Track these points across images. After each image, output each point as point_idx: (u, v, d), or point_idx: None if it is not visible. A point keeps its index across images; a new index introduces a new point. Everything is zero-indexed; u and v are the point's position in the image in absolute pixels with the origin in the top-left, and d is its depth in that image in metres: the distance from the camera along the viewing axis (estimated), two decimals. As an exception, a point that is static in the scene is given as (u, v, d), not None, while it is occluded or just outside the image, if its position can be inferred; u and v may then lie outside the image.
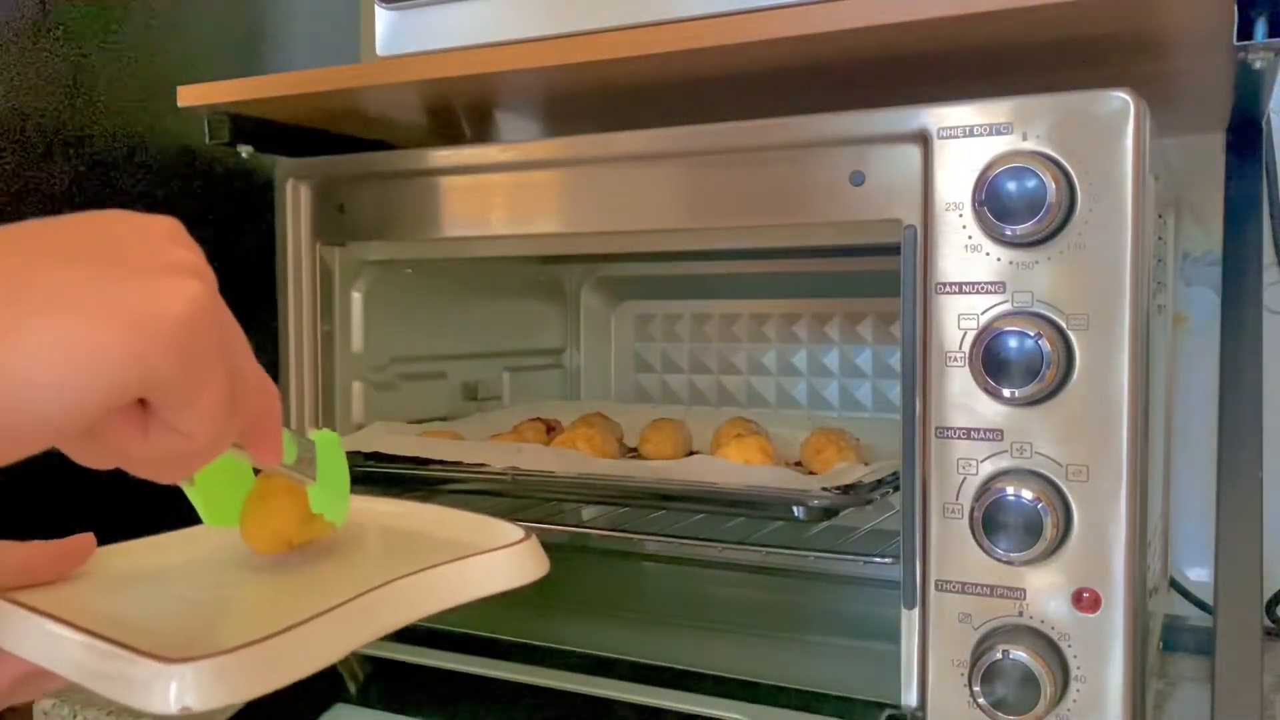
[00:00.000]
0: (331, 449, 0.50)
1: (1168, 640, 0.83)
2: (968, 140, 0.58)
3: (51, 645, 0.37)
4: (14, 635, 0.39)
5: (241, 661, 0.36)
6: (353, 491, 0.55)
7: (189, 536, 0.50)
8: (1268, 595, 0.86)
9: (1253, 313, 0.70)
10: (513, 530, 0.50)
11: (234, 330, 0.35)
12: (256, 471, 0.50)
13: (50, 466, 0.45)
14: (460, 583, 0.46)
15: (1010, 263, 0.57)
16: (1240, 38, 0.56)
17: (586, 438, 0.82)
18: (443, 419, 0.94)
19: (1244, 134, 0.79)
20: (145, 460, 0.34)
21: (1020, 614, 0.57)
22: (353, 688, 0.73)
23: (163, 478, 0.35)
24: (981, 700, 0.57)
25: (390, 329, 0.89)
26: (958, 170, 0.58)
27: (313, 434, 0.49)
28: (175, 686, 0.34)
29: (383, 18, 0.78)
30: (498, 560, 0.47)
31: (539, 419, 0.90)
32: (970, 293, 0.58)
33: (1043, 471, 0.57)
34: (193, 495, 0.48)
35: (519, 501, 0.89)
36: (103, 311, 0.29)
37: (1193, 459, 0.88)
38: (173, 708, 0.34)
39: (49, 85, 0.84)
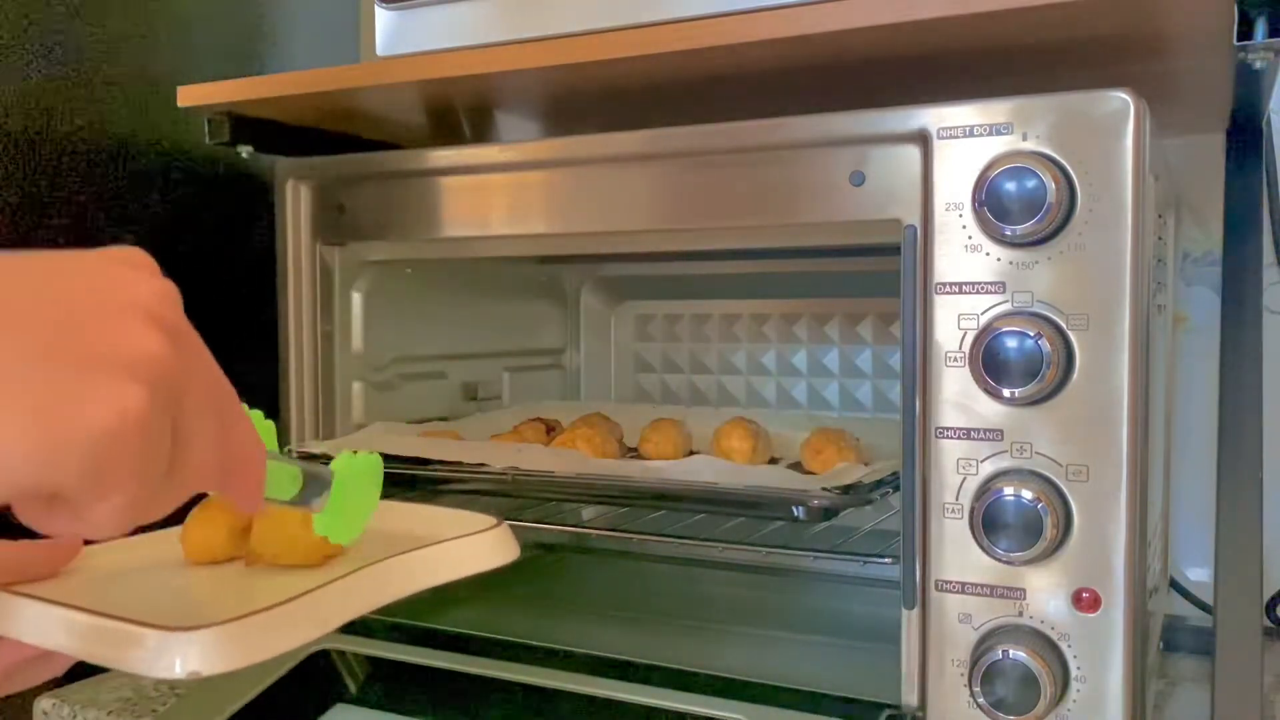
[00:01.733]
0: (356, 474, 0.50)
1: (1168, 640, 0.83)
2: (968, 140, 0.58)
3: (58, 627, 0.39)
4: (18, 621, 0.40)
5: (244, 629, 0.38)
6: None
7: (171, 536, 0.53)
8: (1268, 595, 0.86)
9: (1253, 313, 0.70)
10: (484, 519, 0.54)
11: (207, 394, 0.33)
12: None
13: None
14: (440, 564, 0.50)
15: (1010, 263, 0.57)
16: (1240, 38, 0.56)
17: (586, 438, 0.82)
18: (443, 419, 0.94)
19: (1244, 134, 0.79)
20: (50, 532, 0.33)
21: (1020, 614, 0.57)
22: (353, 688, 0.73)
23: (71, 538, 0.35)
24: (981, 700, 0.57)
25: (390, 329, 0.89)
26: (957, 170, 0.58)
27: (339, 460, 0.50)
28: (182, 654, 0.37)
29: (383, 18, 0.78)
30: (473, 544, 0.51)
31: (539, 419, 0.90)
32: (970, 293, 0.58)
33: (1043, 471, 0.57)
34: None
35: (519, 501, 0.89)
36: (18, 405, 0.28)
37: (1193, 459, 0.88)
38: (180, 673, 0.37)
39: (48, 86, 0.84)
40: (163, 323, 0.32)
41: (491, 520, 0.53)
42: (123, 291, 0.31)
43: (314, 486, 0.47)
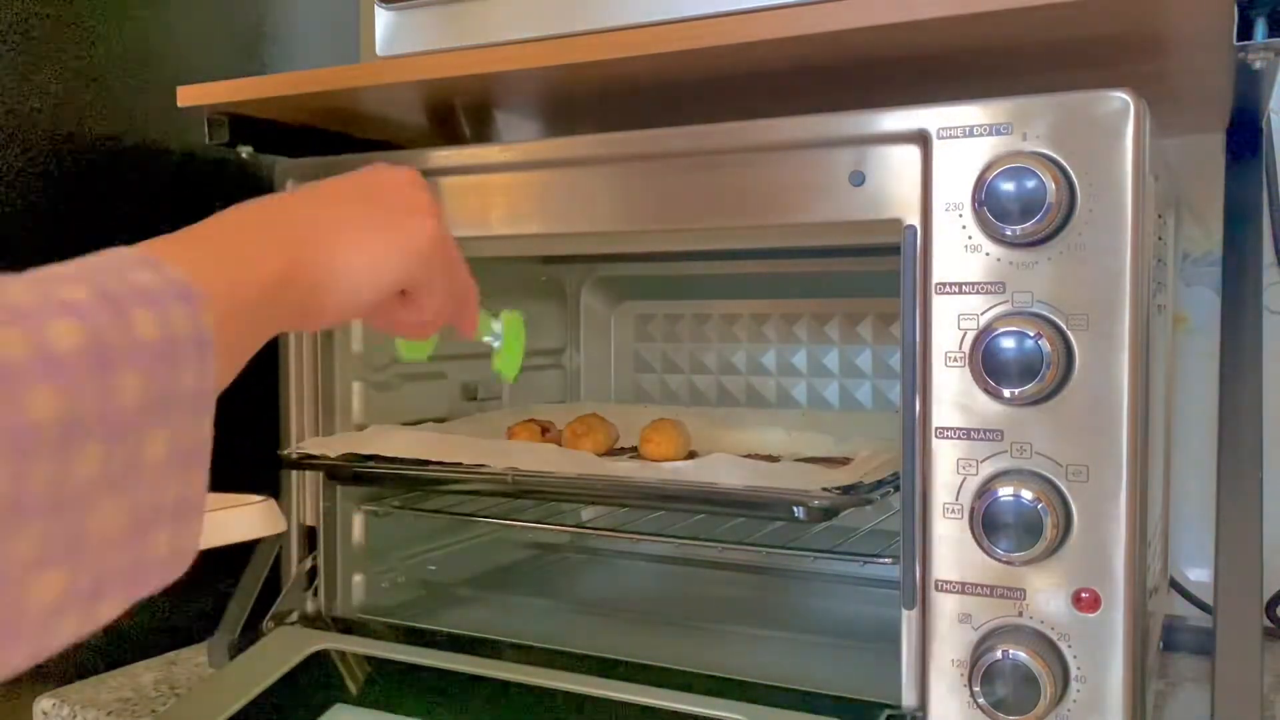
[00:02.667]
0: (515, 327, 0.69)
1: (1168, 640, 0.83)
2: (967, 140, 0.58)
3: None
4: None
5: None
6: (351, 486, 0.69)
7: None
8: (1268, 595, 0.86)
9: (1253, 313, 0.70)
10: (254, 498, 0.65)
11: (453, 246, 0.53)
12: None
13: None
14: (212, 529, 0.61)
15: (1010, 263, 0.57)
16: (1240, 38, 0.56)
17: (581, 438, 0.82)
18: (442, 419, 0.94)
19: (1244, 134, 0.79)
20: (403, 324, 0.53)
21: (1020, 614, 0.57)
22: (353, 688, 0.73)
23: (411, 336, 0.56)
24: (981, 700, 0.57)
25: (390, 329, 0.89)
26: (957, 170, 0.58)
27: (504, 314, 0.68)
28: None
29: (383, 18, 0.78)
30: (240, 514, 0.60)
31: (533, 420, 0.90)
32: (970, 293, 0.58)
33: (1043, 471, 0.57)
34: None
35: (519, 501, 0.89)
36: (383, 237, 0.48)
37: (1193, 459, 0.88)
38: None
39: (48, 86, 0.84)
40: (426, 189, 0.52)
41: (259, 498, 0.64)
42: (398, 175, 0.53)
43: (497, 328, 0.68)
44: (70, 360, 0.30)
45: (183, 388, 0.34)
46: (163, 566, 0.35)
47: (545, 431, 0.88)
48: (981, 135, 0.58)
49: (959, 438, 0.58)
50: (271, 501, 0.60)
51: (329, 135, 0.89)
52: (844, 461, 0.72)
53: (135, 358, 0.32)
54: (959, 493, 0.58)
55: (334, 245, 0.46)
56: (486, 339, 0.67)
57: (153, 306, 0.34)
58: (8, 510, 0.29)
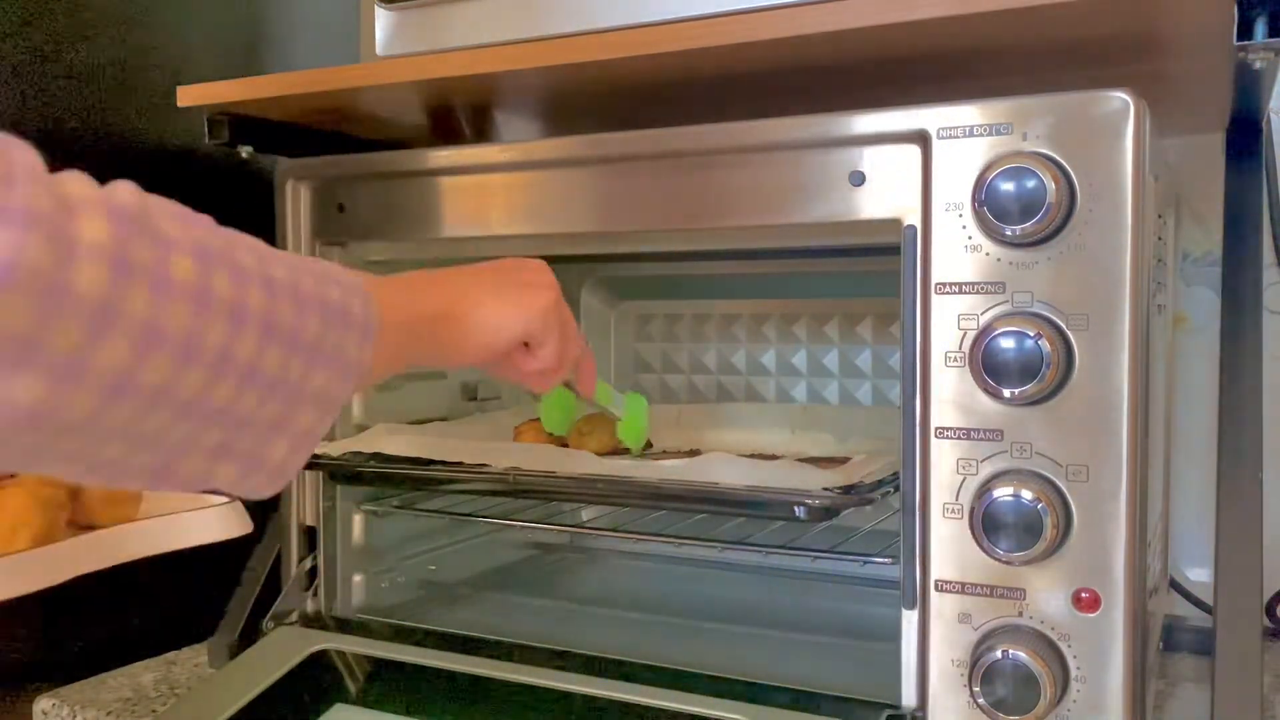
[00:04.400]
0: (638, 406, 0.82)
1: (1168, 640, 0.83)
2: (967, 140, 0.58)
3: None
4: None
5: None
6: (352, 486, 0.72)
7: None
8: (1268, 595, 0.86)
9: (1253, 313, 0.70)
10: (219, 499, 0.64)
11: (569, 317, 0.65)
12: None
13: None
14: (173, 531, 0.60)
15: (1010, 263, 0.57)
16: (1240, 38, 0.56)
17: (584, 440, 0.82)
18: (443, 419, 0.94)
19: (1244, 134, 0.79)
20: (526, 373, 0.64)
21: (1020, 614, 0.57)
22: (353, 688, 0.73)
23: (534, 384, 0.65)
24: (981, 700, 0.57)
25: (390, 329, 0.89)
26: (957, 170, 0.58)
27: (628, 395, 0.81)
28: None
29: (383, 18, 0.78)
30: (203, 516, 0.61)
31: (539, 419, 0.90)
32: (970, 293, 0.58)
33: (1043, 471, 0.57)
34: (543, 408, 0.83)
35: (519, 501, 0.89)
36: (512, 300, 0.61)
37: (1193, 459, 0.88)
38: None
39: (48, 86, 0.84)
40: (545, 272, 0.64)
41: (222, 499, 0.64)
42: (526, 262, 0.64)
43: (617, 402, 0.80)
44: (280, 284, 0.42)
45: (346, 350, 0.46)
46: (267, 473, 0.44)
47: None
48: (981, 135, 0.58)
49: (959, 438, 0.58)
50: (236, 503, 0.61)
51: (329, 135, 0.89)
52: (844, 461, 0.72)
53: (321, 309, 0.44)
54: (959, 493, 0.58)
55: (476, 302, 0.60)
56: (608, 407, 0.79)
57: (340, 288, 0.46)
58: (225, 358, 0.40)
